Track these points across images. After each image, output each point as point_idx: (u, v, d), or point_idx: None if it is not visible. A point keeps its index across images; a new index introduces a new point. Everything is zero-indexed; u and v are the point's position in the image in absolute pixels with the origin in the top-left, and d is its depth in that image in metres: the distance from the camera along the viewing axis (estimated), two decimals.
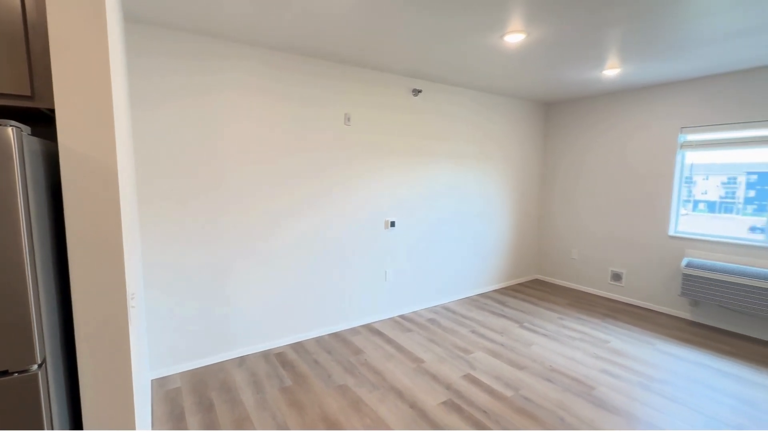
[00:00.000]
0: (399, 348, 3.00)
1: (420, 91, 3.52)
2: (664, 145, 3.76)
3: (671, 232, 3.75)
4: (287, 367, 2.69)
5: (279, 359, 2.80)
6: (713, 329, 3.42)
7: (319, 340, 3.12)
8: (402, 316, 3.66)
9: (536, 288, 4.64)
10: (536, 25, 2.31)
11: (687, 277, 3.44)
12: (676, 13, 2.12)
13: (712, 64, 3.08)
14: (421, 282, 3.86)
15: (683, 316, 3.69)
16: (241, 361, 2.78)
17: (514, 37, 2.50)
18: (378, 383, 2.49)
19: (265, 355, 2.87)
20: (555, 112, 4.72)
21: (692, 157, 3.68)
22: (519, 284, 4.79)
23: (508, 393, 2.39)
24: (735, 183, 4.36)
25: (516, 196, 4.65)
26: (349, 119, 3.16)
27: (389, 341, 3.12)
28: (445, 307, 3.92)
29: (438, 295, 4.02)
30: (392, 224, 3.54)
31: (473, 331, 3.32)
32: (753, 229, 3.45)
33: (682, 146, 3.68)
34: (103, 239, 1.05)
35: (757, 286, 3.04)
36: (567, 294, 4.41)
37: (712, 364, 2.79)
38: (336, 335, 3.22)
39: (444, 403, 2.28)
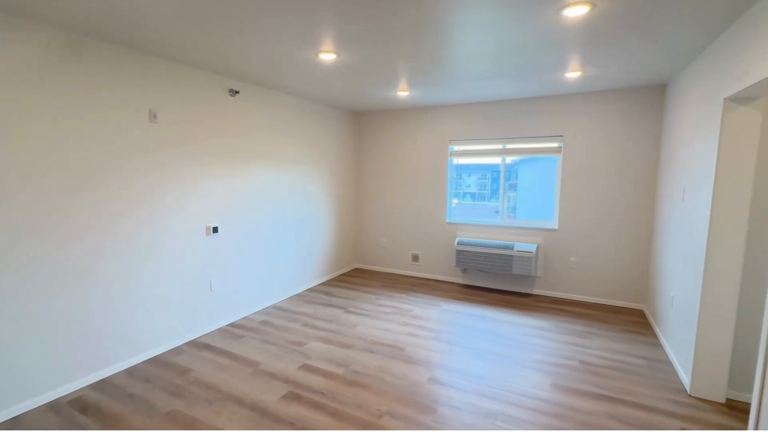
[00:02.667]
0: (232, 356, 2.92)
1: (237, 92, 3.44)
2: (440, 152, 4.90)
3: (447, 220, 4.95)
4: (90, 413, 2.24)
5: (76, 406, 2.30)
6: (476, 287, 4.74)
7: (131, 371, 2.70)
8: (232, 324, 3.54)
9: (357, 276, 5.26)
10: (344, 50, 2.67)
11: (458, 252, 4.64)
12: (442, 58, 2.86)
13: (468, 96, 4.22)
14: (250, 286, 3.81)
15: (458, 282, 4.94)
16: (14, 422, 2.14)
17: (327, 56, 2.80)
18: (213, 397, 2.40)
19: (53, 406, 2.30)
20: (365, 121, 5.41)
21: (459, 160, 4.94)
22: (342, 275, 5.30)
23: (340, 371, 2.73)
24: (485, 178, 6.05)
25: (335, 196, 5.11)
26: (155, 116, 2.81)
27: (221, 352, 2.99)
28: (277, 307, 4.00)
29: (269, 297, 4.05)
30: (214, 230, 3.35)
31: (305, 324, 3.55)
32: (495, 211, 4.95)
33: (451, 154, 4.88)
34: None
35: (496, 253, 4.41)
36: (381, 277, 5.19)
37: (475, 312, 3.91)
38: (154, 360, 2.86)
39: (284, 396, 2.42)
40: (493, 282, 4.70)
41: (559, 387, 2.54)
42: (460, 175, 5.18)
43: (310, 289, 4.61)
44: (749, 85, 1.92)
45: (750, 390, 2.36)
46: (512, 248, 4.32)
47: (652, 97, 3.76)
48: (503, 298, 4.36)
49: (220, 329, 3.43)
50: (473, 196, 6.01)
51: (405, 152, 5.14)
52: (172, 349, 3.03)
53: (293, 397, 2.41)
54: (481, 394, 2.46)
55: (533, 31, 2.28)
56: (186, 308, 3.17)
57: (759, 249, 2.29)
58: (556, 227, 4.31)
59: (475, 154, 4.76)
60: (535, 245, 4.31)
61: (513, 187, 4.84)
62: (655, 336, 3.33)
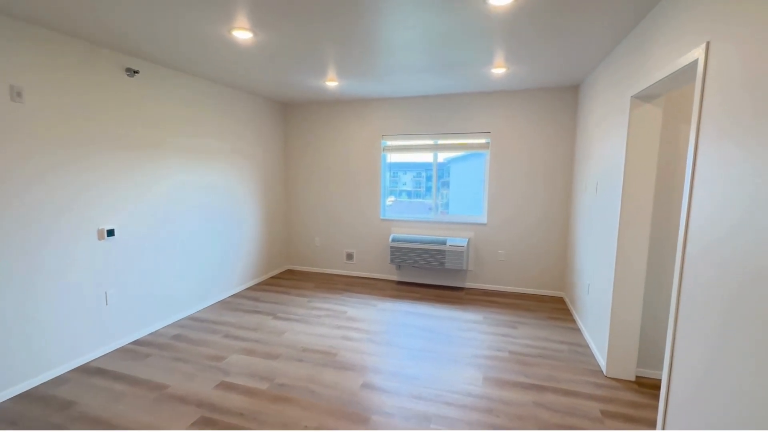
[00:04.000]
0: (133, 381, 2.49)
1: (137, 72, 2.96)
2: (373, 147, 4.77)
3: (382, 216, 4.85)
4: None
5: None
6: (410, 284, 4.71)
7: None
8: (137, 342, 3.05)
9: (288, 278, 4.93)
10: (261, 28, 2.39)
11: (393, 249, 4.56)
12: (369, 43, 2.70)
13: (400, 89, 4.13)
14: (160, 296, 3.33)
15: (393, 279, 4.87)
16: None
17: (243, 34, 2.49)
18: None
19: None
20: (294, 113, 5.08)
21: (393, 157, 4.85)
22: (273, 277, 4.94)
23: (264, 386, 2.46)
24: (420, 176, 6.06)
25: (263, 192, 4.73)
26: (19, 94, 2.27)
27: (118, 377, 2.54)
28: (194, 318, 3.56)
29: (184, 307, 3.59)
30: (110, 233, 2.85)
31: (226, 335, 3.19)
32: (429, 208, 4.96)
33: (384, 149, 4.78)
34: None
35: (429, 249, 4.40)
36: (314, 278, 4.93)
37: (409, 309, 3.85)
38: (25, 396, 2.32)
39: (195, 423, 2.09)
40: (427, 277, 4.71)
41: (490, 380, 2.55)
42: (396, 174, 5.11)
43: (235, 295, 4.20)
44: (651, 84, 2.04)
45: (655, 367, 2.58)
46: (445, 243, 4.35)
47: (566, 97, 4.01)
48: (437, 293, 4.38)
49: (119, 349, 2.93)
50: (409, 193, 6.00)
51: (337, 147, 4.93)
52: (53, 380, 2.50)
53: (206, 422, 2.10)
54: (416, 396, 2.37)
55: (461, 19, 2.23)
56: (72, 328, 2.64)
57: (661, 238, 2.50)
58: (485, 221, 4.42)
59: (408, 150, 4.71)
60: (466, 240, 4.38)
61: (446, 184, 4.88)
62: (574, 321, 3.55)
